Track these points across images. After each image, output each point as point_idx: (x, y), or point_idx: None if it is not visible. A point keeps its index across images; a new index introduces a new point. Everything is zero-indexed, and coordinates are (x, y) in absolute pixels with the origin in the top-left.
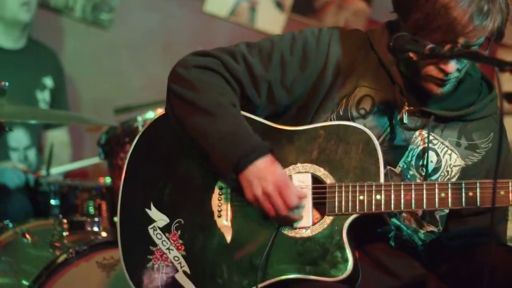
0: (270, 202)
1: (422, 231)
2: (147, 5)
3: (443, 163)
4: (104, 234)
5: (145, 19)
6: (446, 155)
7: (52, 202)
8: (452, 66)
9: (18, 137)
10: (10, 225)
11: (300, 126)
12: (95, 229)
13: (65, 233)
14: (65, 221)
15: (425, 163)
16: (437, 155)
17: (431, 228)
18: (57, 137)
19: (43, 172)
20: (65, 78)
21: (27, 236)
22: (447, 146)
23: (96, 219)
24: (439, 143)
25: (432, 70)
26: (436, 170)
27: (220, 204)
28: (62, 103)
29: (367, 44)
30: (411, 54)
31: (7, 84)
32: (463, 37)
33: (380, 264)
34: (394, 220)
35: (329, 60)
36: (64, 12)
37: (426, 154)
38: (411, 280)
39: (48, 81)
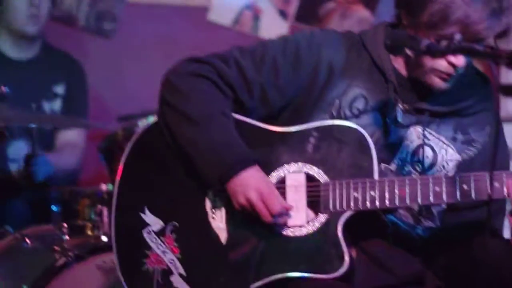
0: (253, 209)
1: (419, 227)
2: (151, 14)
3: (439, 158)
4: (104, 238)
5: (149, 28)
6: (442, 150)
7: (53, 208)
8: (462, 59)
9: (18, 148)
10: (11, 230)
11: (293, 127)
12: (96, 233)
13: (65, 238)
14: (65, 225)
15: (420, 159)
16: (433, 150)
17: (429, 223)
18: (68, 137)
19: None
20: (87, 85)
21: (27, 240)
22: (443, 141)
23: (97, 224)
24: (435, 138)
25: (440, 64)
26: (432, 165)
27: (214, 206)
28: (78, 110)
29: (360, 44)
30: (407, 51)
31: (7, 89)
32: (469, 32)
33: (377, 262)
34: (391, 216)
35: (321, 61)
36: (67, 21)
37: (421, 150)
38: (408, 276)
39: (60, 89)
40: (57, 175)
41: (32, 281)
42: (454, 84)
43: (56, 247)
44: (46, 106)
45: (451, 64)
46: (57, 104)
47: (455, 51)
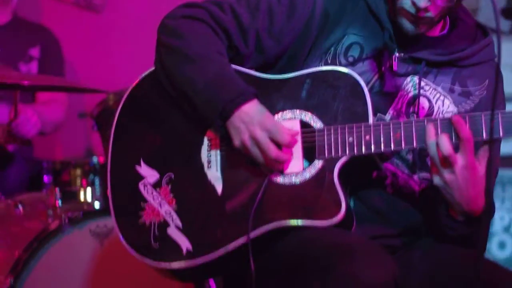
0: (258, 146)
1: (416, 176)
2: None
3: (435, 110)
4: (97, 204)
5: (137, 3)
6: (439, 101)
7: (45, 178)
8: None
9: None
10: (3, 197)
11: (287, 75)
12: (89, 199)
13: (58, 202)
14: (57, 191)
15: (416, 109)
16: (429, 101)
17: (424, 173)
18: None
19: None
20: (61, 50)
21: (20, 207)
22: (440, 92)
23: (89, 190)
24: (431, 89)
25: (405, 2)
26: (428, 116)
27: (209, 156)
28: (54, 73)
29: None
30: None
31: None
32: None
33: (375, 211)
34: (388, 165)
35: (316, 8)
36: None
37: (417, 100)
38: (407, 226)
39: (35, 52)
40: (45, 130)
41: (25, 245)
42: (425, 31)
43: (49, 212)
44: (23, 68)
45: (413, 3)
46: (33, 67)
47: None
